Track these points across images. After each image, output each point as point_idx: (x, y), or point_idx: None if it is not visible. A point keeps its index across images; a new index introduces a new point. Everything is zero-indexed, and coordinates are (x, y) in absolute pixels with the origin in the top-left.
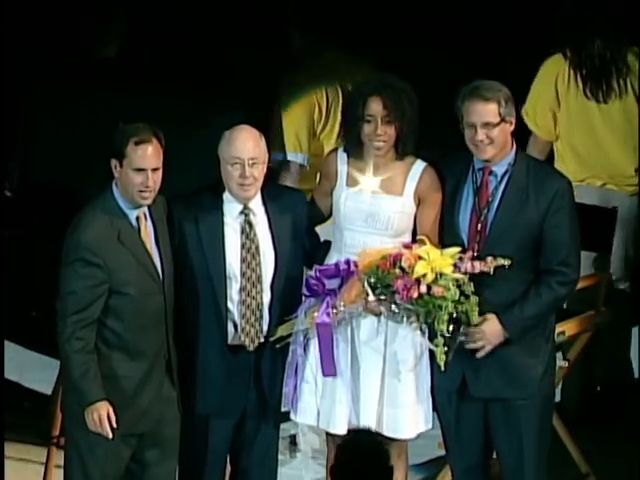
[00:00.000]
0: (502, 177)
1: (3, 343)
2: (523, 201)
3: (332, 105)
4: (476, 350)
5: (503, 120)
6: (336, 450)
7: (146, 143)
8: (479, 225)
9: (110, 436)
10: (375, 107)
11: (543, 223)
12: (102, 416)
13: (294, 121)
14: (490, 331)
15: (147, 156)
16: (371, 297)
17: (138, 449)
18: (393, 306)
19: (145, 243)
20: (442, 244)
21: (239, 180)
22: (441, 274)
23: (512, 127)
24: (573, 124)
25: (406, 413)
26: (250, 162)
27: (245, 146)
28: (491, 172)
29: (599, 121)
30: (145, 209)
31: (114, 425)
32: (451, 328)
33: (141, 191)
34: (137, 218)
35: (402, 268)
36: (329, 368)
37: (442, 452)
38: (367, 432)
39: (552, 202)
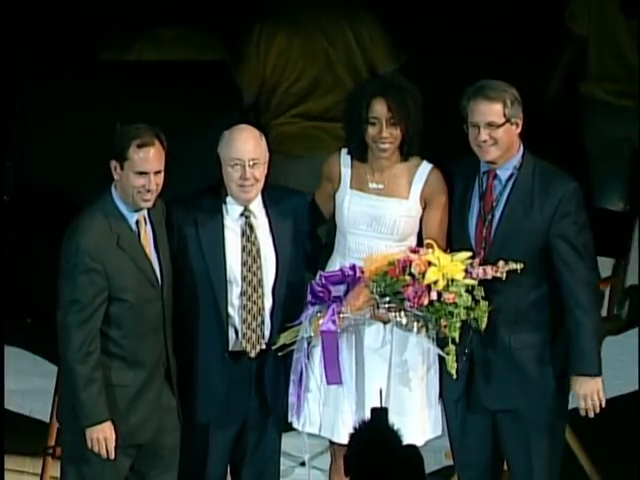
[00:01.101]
0: (507, 181)
1: (3, 352)
2: (527, 207)
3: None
4: (488, 359)
5: (508, 121)
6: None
7: (148, 146)
8: (484, 231)
9: (112, 457)
10: (379, 109)
11: (549, 229)
12: (108, 438)
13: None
14: (587, 390)
15: (149, 159)
16: (381, 305)
17: (137, 460)
18: (402, 313)
19: (144, 248)
20: (451, 249)
21: (239, 181)
22: (452, 280)
23: (518, 129)
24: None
25: (413, 420)
26: (251, 163)
27: (245, 146)
28: (495, 176)
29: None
30: (145, 213)
31: (112, 447)
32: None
33: (141, 193)
34: (137, 222)
35: (412, 274)
36: (334, 376)
37: (449, 462)
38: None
39: (557, 208)
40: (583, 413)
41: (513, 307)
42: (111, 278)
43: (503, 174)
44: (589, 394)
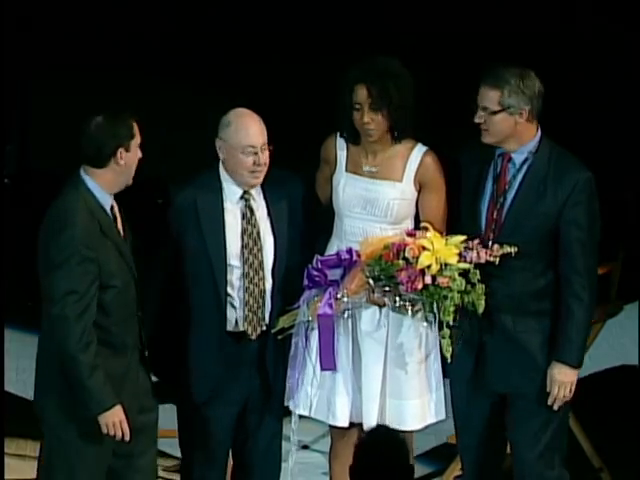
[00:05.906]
0: (522, 165)
1: (3, 338)
2: (541, 192)
3: None
4: (493, 343)
5: (504, 110)
6: (355, 449)
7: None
8: (495, 213)
9: (128, 438)
10: (360, 95)
11: (560, 216)
12: (122, 420)
13: None
14: (564, 379)
15: None
16: (376, 289)
17: (119, 443)
18: (397, 297)
19: (120, 232)
20: (462, 231)
21: (252, 167)
22: (446, 264)
23: (522, 119)
24: None
25: (411, 404)
26: (263, 148)
27: (256, 132)
28: (510, 159)
29: None
30: (112, 197)
31: (127, 428)
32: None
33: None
34: (111, 208)
35: (406, 259)
36: (328, 361)
37: (452, 446)
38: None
39: (570, 195)
40: (551, 401)
41: (519, 292)
42: (102, 265)
43: (517, 158)
44: (564, 383)
